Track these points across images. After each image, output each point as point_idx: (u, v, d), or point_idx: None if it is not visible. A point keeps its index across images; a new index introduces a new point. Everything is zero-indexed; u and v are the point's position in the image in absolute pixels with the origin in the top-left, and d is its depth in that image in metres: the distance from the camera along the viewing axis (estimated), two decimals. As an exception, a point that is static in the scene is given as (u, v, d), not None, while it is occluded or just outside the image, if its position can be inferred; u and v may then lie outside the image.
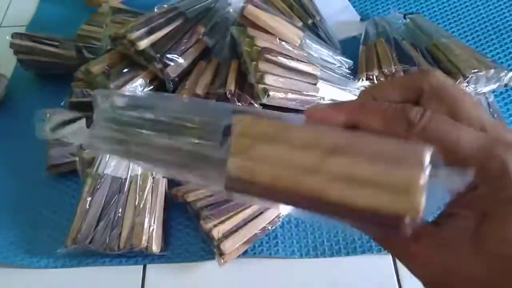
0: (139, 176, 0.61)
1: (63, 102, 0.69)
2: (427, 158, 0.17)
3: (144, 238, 0.56)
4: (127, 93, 0.54)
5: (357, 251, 0.57)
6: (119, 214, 0.58)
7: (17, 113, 0.76)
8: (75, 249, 0.57)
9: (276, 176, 0.19)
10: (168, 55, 0.65)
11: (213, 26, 0.71)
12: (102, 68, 0.67)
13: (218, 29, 0.71)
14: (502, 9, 0.80)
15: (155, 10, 0.69)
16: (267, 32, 0.66)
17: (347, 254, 0.57)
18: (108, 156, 0.62)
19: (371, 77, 0.69)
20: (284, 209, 0.27)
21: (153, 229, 0.57)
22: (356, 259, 0.57)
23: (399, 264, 0.56)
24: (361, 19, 0.82)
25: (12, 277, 0.59)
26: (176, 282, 0.58)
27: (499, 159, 0.18)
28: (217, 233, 0.55)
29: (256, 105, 0.61)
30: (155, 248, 0.57)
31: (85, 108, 0.52)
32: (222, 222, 0.56)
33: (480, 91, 0.67)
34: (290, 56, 0.63)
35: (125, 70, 0.67)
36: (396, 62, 0.69)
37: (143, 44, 0.64)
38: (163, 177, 0.62)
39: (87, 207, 0.58)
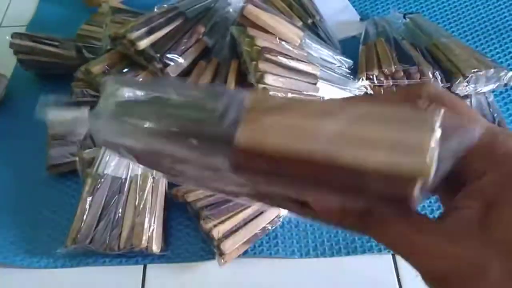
0: (139, 176, 0.61)
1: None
2: (438, 121, 0.17)
3: (144, 238, 0.56)
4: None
5: (357, 251, 0.57)
6: (119, 214, 0.58)
7: (17, 113, 0.76)
8: (75, 249, 0.57)
9: (287, 143, 0.19)
10: (168, 55, 0.65)
11: (213, 26, 0.71)
12: (102, 68, 0.67)
13: (218, 29, 0.71)
14: (501, 8, 0.80)
15: (155, 10, 0.69)
16: (267, 31, 0.66)
17: (347, 254, 0.57)
18: (108, 156, 0.62)
19: (371, 76, 0.69)
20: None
21: (153, 229, 0.57)
22: (356, 259, 0.57)
23: (399, 264, 0.56)
24: (361, 19, 0.82)
25: (12, 277, 0.59)
26: (176, 282, 0.58)
27: (505, 146, 0.18)
28: (217, 233, 0.55)
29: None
30: (155, 248, 0.57)
31: (85, 108, 0.52)
32: (222, 222, 0.56)
33: (480, 90, 0.67)
34: (290, 56, 0.63)
35: (125, 70, 0.67)
36: (396, 61, 0.69)
37: (143, 44, 0.64)
38: (163, 177, 0.62)
39: (87, 207, 0.58)
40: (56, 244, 0.58)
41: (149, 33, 0.65)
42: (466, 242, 0.18)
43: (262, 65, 0.60)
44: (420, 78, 0.67)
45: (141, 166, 0.29)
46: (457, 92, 0.66)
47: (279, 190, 0.22)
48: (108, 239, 0.57)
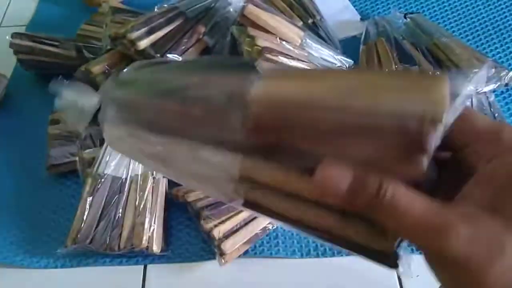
0: (139, 176, 0.61)
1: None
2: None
3: (145, 238, 0.56)
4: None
5: (358, 251, 0.57)
6: (120, 214, 0.58)
7: (17, 113, 0.76)
8: (75, 249, 0.57)
9: (306, 87, 0.20)
10: (168, 55, 0.65)
11: (213, 25, 0.71)
12: (102, 68, 0.67)
13: (218, 29, 0.71)
14: (502, 8, 0.80)
15: (155, 9, 0.69)
16: (267, 31, 0.66)
17: (348, 254, 0.57)
18: (108, 156, 0.61)
19: (371, 76, 0.68)
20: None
21: (153, 229, 0.57)
22: (357, 259, 0.56)
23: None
24: (362, 19, 0.82)
25: (12, 277, 0.59)
26: (176, 282, 0.57)
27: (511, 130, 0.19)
28: (217, 233, 0.55)
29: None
30: (156, 248, 0.57)
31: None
32: (223, 222, 0.56)
33: (481, 90, 0.67)
34: (291, 56, 0.63)
35: (125, 70, 0.67)
36: (397, 61, 0.69)
37: (143, 44, 0.64)
38: (163, 177, 0.62)
39: (88, 207, 0.58)
40: (56, 244, 0.58)
41: (149, 33, 0.65)
42: (481, 223, 0.18)
43: (263, 65, 0.60)
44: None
45: (143, 162, 0.29)
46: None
47: (292, 153, 0.21)
48: (108, 239, 0.57)
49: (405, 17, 0.77)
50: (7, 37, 0.75)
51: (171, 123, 0.24)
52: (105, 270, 0.58)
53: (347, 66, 0.72)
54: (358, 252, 0.21)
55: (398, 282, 0.55)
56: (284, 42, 0.65)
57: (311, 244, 0.58)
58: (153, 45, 0.65)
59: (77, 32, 0.79)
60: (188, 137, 0.23)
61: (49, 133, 0.68)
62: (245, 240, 0.56)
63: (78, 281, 0.58)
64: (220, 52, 0.69)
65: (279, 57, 0.62)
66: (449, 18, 0.80)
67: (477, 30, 0.78)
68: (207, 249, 0.58)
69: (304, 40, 0.69)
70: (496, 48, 0.75)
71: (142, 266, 0.59)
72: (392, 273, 0.56)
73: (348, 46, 0.76)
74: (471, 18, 0.80)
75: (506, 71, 0.67)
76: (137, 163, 0.61)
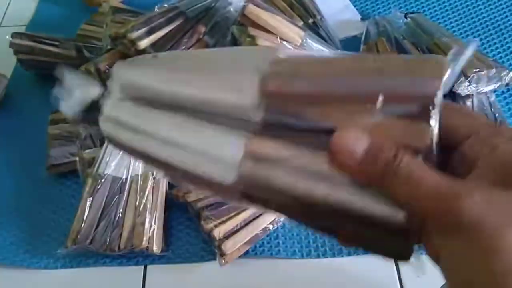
0: (139, 176, 0.61)
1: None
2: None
3: (145, 238, 0.56)
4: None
5: (359, 251, 0.57)
6: (120, 215, 0.58)
7: (17, 113, 0.76)
8: (75, 250, 0.57)
9: (319, 62, 0.23)
10: (168, 55, 0.65)
11: (213, 25, 0.71)
12: (102, 68, 0.67)
13: (218, 29, 0.71)
14: (503, 8, 0.80)
15: (155, 9, 0.69)
16: (268, 31, 0.66)
17: (349, 254, 0.57)
18: (108, 156, 0.61)
19: (372, 76, 0.68)
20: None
21: (153, 230, 0.57)
22: (358, 259, 0.57)
23: (401, 264, 0.56)
24: (362, 19, 0.82)
25: (12, 277, 0.59)
26: (177, 282, 0.57)
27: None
28: (218, 233, 0.55)
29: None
30: (156, 248, 0.57)
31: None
32: (223, 222, 0.56)
33: (482, 90, 0.67)
34: (291, 56, 0.63)
35: (126, 70, 0.67)
36: (397, 61, 0.69)
37: (144, 43, 0.64)
38: (164, 177, 0.62)
39: (88, 207, 0.58)
40: (56, 244, 0.58)
41: (150, 32, 0.65)
42: (495, 192, 0.18)
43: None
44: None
45: (139, 144, 0.30)
46: (458, 92, 0.66)
47: (303, 129, 0.22)
48: (108, 239, 0.57)
49: (405, 17, 0.77)
50: (7, 37, 0.75)
51: (180, 91, 0.25)
52: (105, 270, 0.58)
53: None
54: (367, 230, 0.21)
55: (399, 283, 0.55)
56: (284, 42, 0.65)
57: (312, 245, 0.58)
58: (153, 45, 0.65)
59: (77, 32, 0.79)
60: (194, 112, 0.24)
61: (49, 133, 0.68)
62: (245, 241, 0.56)
63: (78, 282, 0.58)
64: (221, 52, 0.69)
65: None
66: (449, 18, 0.80)
67: (478, 30, 0.78)
68: (208, 249, 0.58)
69: (304, 40, 0.68)
70: (497, 48, 0.75)
71: (142, 267, 0.58)
72: (394, 273, 0.56)
73: (348, 46, 0.76)
74: (472, 18, 0.80)
75: (507, 71, 0.66)
76: (137, 163, 0.61)
